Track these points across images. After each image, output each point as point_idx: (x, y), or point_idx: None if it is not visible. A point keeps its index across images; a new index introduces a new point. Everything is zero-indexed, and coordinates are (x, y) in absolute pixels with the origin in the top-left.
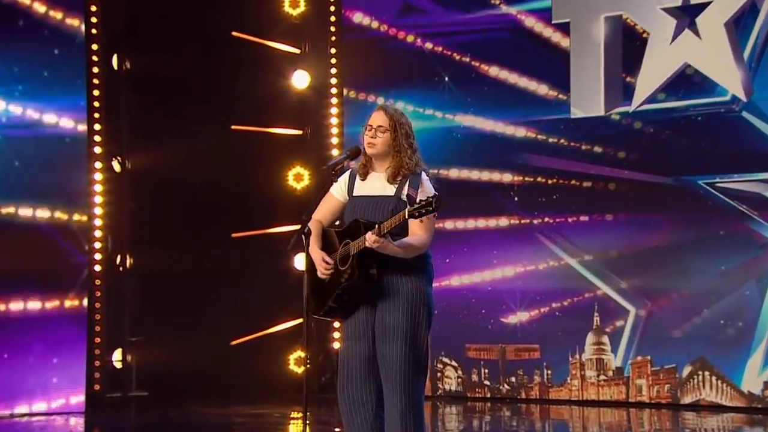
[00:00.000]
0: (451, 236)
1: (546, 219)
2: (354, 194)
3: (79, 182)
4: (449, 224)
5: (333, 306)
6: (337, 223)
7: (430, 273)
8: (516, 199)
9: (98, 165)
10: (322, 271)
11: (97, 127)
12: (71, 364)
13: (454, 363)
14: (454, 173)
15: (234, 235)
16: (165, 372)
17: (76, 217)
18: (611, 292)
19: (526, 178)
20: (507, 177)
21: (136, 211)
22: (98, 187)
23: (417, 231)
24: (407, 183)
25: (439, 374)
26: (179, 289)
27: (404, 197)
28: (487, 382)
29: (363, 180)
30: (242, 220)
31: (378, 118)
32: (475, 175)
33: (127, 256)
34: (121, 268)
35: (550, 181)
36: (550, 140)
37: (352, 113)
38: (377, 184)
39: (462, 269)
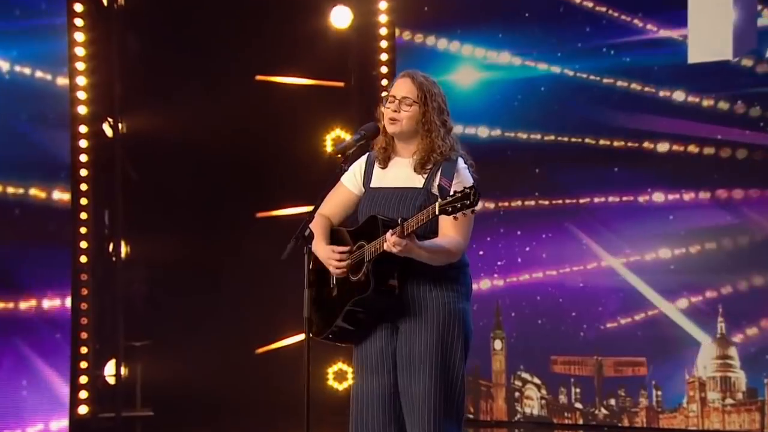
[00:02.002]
0: (530, 218)
1: (655, 196)
2: (371, 185)
3: (60, 150)
4: (529, 203)
5: (342, 326)
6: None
7: (467, 285)
8: (616, 170)
9: (83, 129)
10: (336, 264)
11: (81, 80)
12: (51, 379)
13: (536, 380)
14: (535, 137)
15: (258, 215)
16: (174, 386)
17: (56, 194)
18: (741, 291)
19: (629, 144)
20: (604, 142)
21: (133, 186)
22: (84, 157)
23: (450, 232)
24: (439, 171)
25: (516, 394)
26: (190, 284)
27: (435, 190)
28: (579, 405)
29: (383, 168)
30: (269, 197)
31: (403, 87)
32: (563, 140)
33: (122, 243)
34: (114, 259)
35: (660, 148)
36: (661, 94)
37: (406, 60)
38: (401, 173)
39: (546, 260)
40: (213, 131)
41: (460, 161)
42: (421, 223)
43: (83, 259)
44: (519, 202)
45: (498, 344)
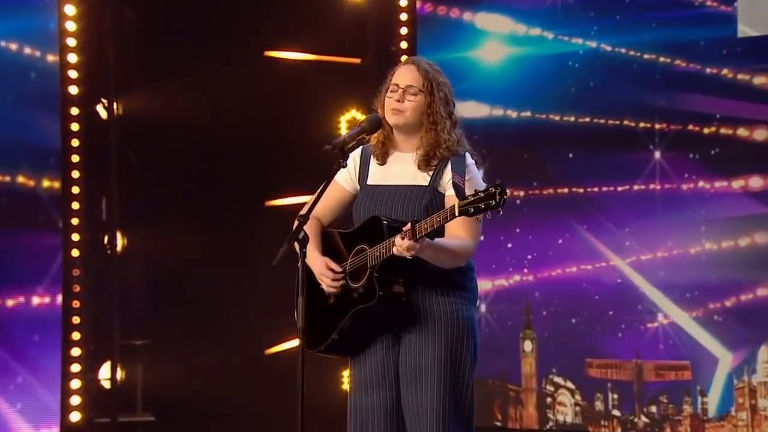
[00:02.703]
0: (563, 207)
1: (700, 183)
2: (369, 183)
3: (50, 134)
4: (562, 190)
5: (339, 338)
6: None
7: (473, 291)
8: (657, 155)
9: (75, 111)
10: (328, 283)
11: (73, 57)
12: (40, 384)
13: (569, 384)
14: (569, 119)
15: (268, 203)
16: (177, 389)
17: (45, 182)
18: None
19: (672, 127)
20: (644, 124)
21: (131, 173)
22: (76, 142)
23: (459, 232)
24: (448, 167)
25: (548, 400)
26: (193, 279)
27: (442, 188)
28: (616, 413)
29: (381, 163)
30: (278, 184)
31: (407, 75)
32: (599, 122)
33: (119, 235)
34: (109, 252)
35: (706, 130)
36: (708, 71)
37: (428, 34)
38: (403, 170)
39: (580, 253)
40: (217, 113)
41: (468, 157)
42: (437, 225)
43: (75, 252)
44: (551, 190)
45: (528, 345)
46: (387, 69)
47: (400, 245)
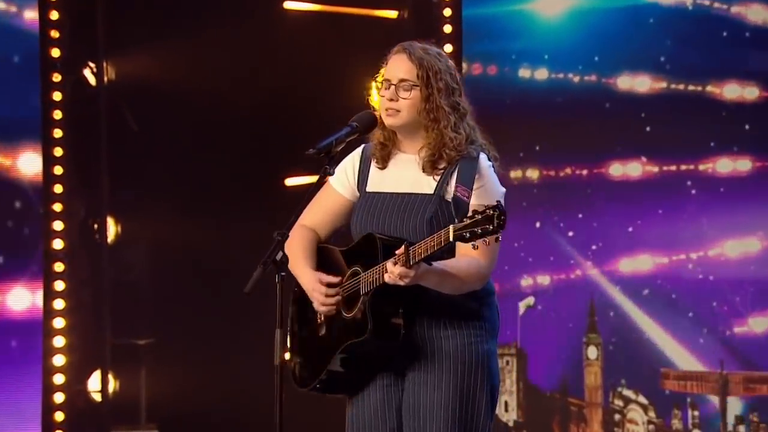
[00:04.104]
0: (635, 187)
1: None
2: (368, 189)
3: (29, 105)
4: (632, 167)
5: (330, 377)
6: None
7: (492, 321)
8: (747, 127)
9: (57, 77)
10: (321, 300)
11: (55, 14)
12: (18, 397)
13: (641, 399)
14: (643, 84)
15: (288, 182)
16: (182, 398)
17: (23, 162)
18: None
19: (764, 94)
20: (731, 91)
21: (124, 148)
22: (59, 114)
23: (471, 252)
24: (455, 173)
25: (617, 417)
26: (199, 272)
27: (450, 197)
28: None
29: (382, 168)
30: (300, 159)
31: (399, 67)
32: (677, 87)
33: (110, 222)
34: (99, 242)
35: None
36: None
37: None
38: (406, 174)
39: (655, 243)
40: (226, 77)
41: (483, 158)
42: (431, 251)
43: (58, 244)
44: (620, 168)
45: (592, 352)
46: (427, 24)
47: (392, 272)
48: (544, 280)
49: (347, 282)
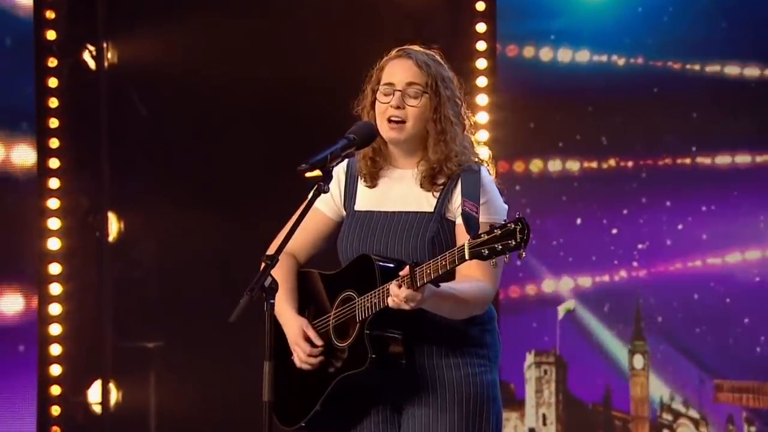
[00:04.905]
0: (685, 182)
1: None
2: (357, 208)
3: (22, 92)
4: (684, 161)
5: (322, 411)
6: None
7: (495, 348)
8: None
9: (53, 62)
10: (303, 358)
11: None
12: (11, 411)
13: (692, 413)
14: (693, 68)
15: (308, 174)
16: (193, 409)
17: (17, 154)
18: None
19: None
20: None
21: (127, 138)
22: (54, 102)
23: (475, 273)
24: (457, 188)
25: None
26: (211, 272)
27: (453, 216)
28: None
29: (371, 185)
30: (319, 146)
31: (405, 71)
32: (732, 72)
33: (112, 218)
34: (100, 240)
35: None
36: None
37: None
38: (402, 191)
39: (707, 242)
40: (239, 59)
41: (484, 171)
42: (442, 271)
43: (54, 244)
44: (668, 160)
45: (639, 361)
46: (460, 2)
47: (397, 295)
48: (585, 282)
49: (338, 309)
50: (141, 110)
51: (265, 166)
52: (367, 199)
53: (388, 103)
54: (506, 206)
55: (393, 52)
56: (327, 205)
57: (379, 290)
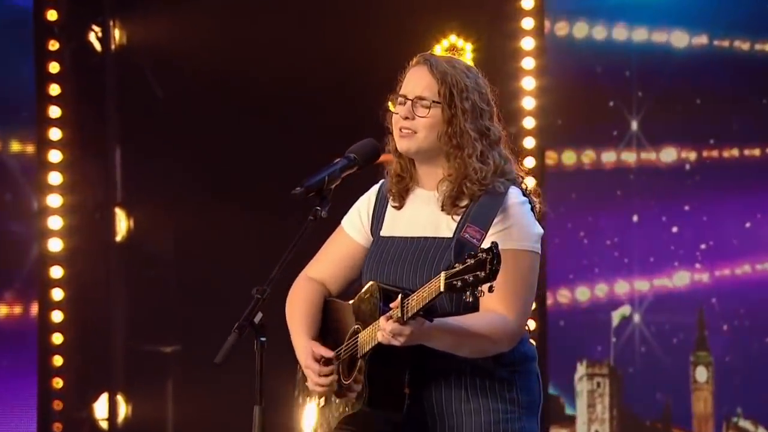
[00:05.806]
0: (753, 175)
1: None
2: (382, 233)
3: (21, 79)
4: (752, 152)
5: None
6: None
7: (530, 392)
8: None
9: (54, 45)
10: (314, 380)
11: None
12: (11, 425)
13: (762, 431)
14: (761, 48)
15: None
16: (217, 422)
17: (15, 146)
18: None
19: None
20: None
21: (136, 127)
22: (56, 89)
23: (494, 305)
24: (472, 211)
25: None
26: (235, 269)
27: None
28: None
29: (399, 207)
30: (349, 142)
31: (417, 82)
32: None
33: (120, 215)
34: (107, 239)
35: None
36: None
37: None
38: (422, 214)
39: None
40: (257, 41)
41: (514, 193)
42: (425, 304)
43: (56, 245)
44: (735, 152)
45: (702, 373)
46: None
47: (385, 329)
48: (642, 285)
49: (348, 342)
50: (158, 92)
51: (286, 157)
52: (391, 223)
53: (401, 114)
54: (540, 231)
55: (415, 58)
56: (357, 231)
57: (375, 324)
